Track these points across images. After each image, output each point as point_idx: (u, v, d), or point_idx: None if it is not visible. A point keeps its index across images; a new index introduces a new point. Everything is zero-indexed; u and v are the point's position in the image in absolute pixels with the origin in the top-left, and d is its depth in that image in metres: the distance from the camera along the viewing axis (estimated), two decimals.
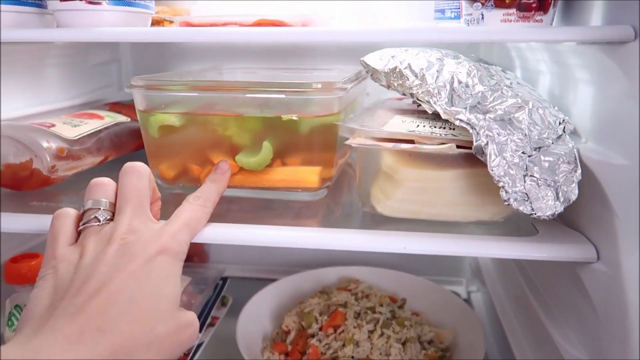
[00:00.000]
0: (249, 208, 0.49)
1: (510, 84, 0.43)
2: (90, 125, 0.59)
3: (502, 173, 0.37)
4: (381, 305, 0.63)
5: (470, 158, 0.41)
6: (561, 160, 0.37)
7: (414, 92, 0.43)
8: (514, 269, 0.57)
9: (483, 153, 0.37)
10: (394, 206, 0.44)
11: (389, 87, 0.50)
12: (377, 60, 0.49)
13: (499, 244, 0.39)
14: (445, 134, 0.41)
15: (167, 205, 0.52)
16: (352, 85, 0.50)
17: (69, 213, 0.38)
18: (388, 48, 0.49)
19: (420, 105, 0.46)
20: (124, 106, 0.71)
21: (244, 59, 0.81)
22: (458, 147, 0.40)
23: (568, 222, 0.42)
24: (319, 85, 0.45)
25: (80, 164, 0.56)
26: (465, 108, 0.40)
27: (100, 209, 0.37)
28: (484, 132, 0.38)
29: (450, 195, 0.42)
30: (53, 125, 0.55)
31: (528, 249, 0.38)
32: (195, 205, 0.40)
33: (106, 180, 0.40)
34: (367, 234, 0.41)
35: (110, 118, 0.63)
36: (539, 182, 0.36)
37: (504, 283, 0.66)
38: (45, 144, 0.51)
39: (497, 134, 0.38)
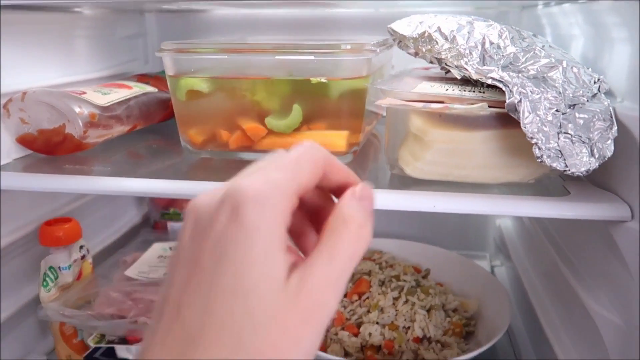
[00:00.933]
0: None
1: (543, 46, 0.42)
2: (119, 94, 0.59)
3: (535, 130, 0.36)
4: (405, 274, 0.63)
5: (501, 119, 0.40)
6: (596, 117, 0.37)
7: (444, 56, 0.43)
8: (540, 237, 0.56)
9: (516, 110, 0.37)
10: (423, 168, 0.43)
11: (416, 54, 0.50)
12: (405, 26, 0.48)
13: (531, 203, 0.39)
14: (476, 96, 0.41)
15: (197, 170, 0.53)
16: (381, 49, 0.49)
17: None
18: (416, 14, 0.49)
19: (448, 71, 0.46)
20: (152, 77, 0.72)
21: (268, 31, 0.81)
22: (489, 107, 0.39)
23: (600, 183, 0.42)
24: (348, 47, 0.45)
25: (110, 131, 0.57)
26: (498, 67, 0.40)
27: None
28: (517, 89, 0.37)
29: (481, 157, 0.42)
30: (84, 93, 0.56)
31: (561, 208, 0.38)
32: (354, 224, 0.24)
33: None
34: (396, 193, 0.41)
35: (139, 88, 0.64)
36: (573, 139, 0.36)
37: (530, 254, 0.65)
38: (77, 109, 0.52)
39: (531, 91, 0.37)
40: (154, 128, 0.68)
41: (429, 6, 0.69)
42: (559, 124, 0.37)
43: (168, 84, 0.51)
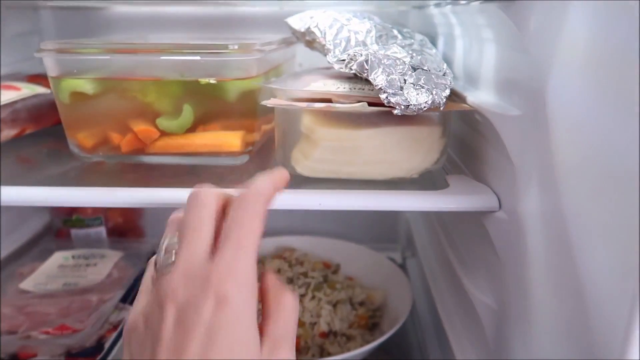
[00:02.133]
0: (172, 174, 0.48)
1: (411, 44, 0.44)
2: (4, 96, 0.56)
3: (383, 81, 0.38)
4: (314, 271, 0.64)
5: (385, 117, 0.42)
6: (434, 75, 0.39)
7: (325, 51, 0.45)
8: (437, 229, 0.59)
9: (365, 68, 0.39)
10: (313, 166, 0.44)
11: (310, 47, 0.51)
12: (297, 21, 0.50)
13: (410, 197, 0.40)
14: (364, 94, 0.42)
15: (91, 174, 0.51)
16: (273, 48, 0.50)
17: None
18: (313, 10, 0.50)
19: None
20: (44, 78, 0.68)
21: (173, 29, 0.79)
22: (371, 104, 0.41)
23: (479, 177, 0.44)
24: (236, 47, 0.45)
25: None
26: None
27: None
28: (365, 53, 0.39)
29: (367, 153, 0.43)
30: None
31: (436, 201, 0.40)
32: (241, 212, 0.30)
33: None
34: (285, 193, 0.42)
35: (29, 89, 0.61)
36: (415, 86, 0.38)
37: (431, 245, 0.69)
38: None
39: (381, 57, 0.39)
40: (47, 131, 0.65)
41: (332, 5, 0.70)
42: (403, 79, 0.38)
43: (51, 85, 0.49)
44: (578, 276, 0.28)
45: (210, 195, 0.31)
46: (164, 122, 0.48)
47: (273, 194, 0.32)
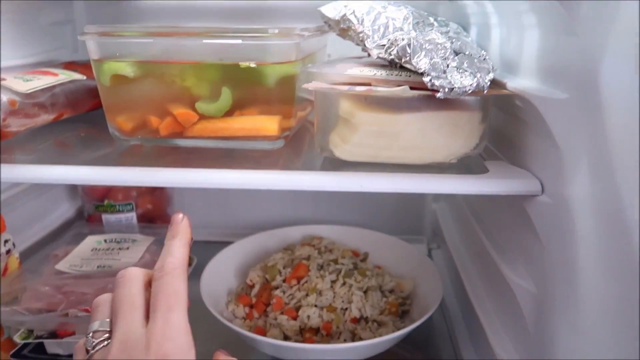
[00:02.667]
0: (209, 157, 0.49)
1: (447, 31, 0.44)
2: (43, 81, 0.57)
3: (426, 64, 0.38)
4: (343, 258, 0.64)
5: (425, 102, 0.42)
6: (477, 60, 0.39)
7: (359, 37, 0.45)
8: (469, 217, 0.59)
9: (407, 52, 0.39)
10: (352, 150, 0.44)
11: (343, 36, 0.51)
12: (331, 9, 0.50)
13: (451, 180, 0.40)
14: (402, 79, 0.42)
15: (128, 158, 0.52)
16: (311, 34, 0.50)
17: None
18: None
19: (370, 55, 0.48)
20: (80, 65, 0.70)
21: (201, 20, 0.80)
22: (412, 89, 0.41)
23: (517, 163, 0.44)
24: (276, 31, 0.45)
25: (33, 120, 0.55)
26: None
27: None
28: (406, 36, 0.40)
29: (406, 138, 0.43)
30: (4, 79, 0.53)
31: (479, 185, 0.40)
32: (163, 278, 0.32)
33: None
34: (326, 174, 0.42)
35: (65, 75, 0.62)
36: (459, 69, 0.38)
37: (462, 234, 0.68)
38: None
39: (422, 42, 0.39)
40: (83, 117, 0.66)
41: None
42: (446, 64, 0.39)
43: (93, 68, 0.50)
44: (635, 261, 0.27)
45: (137, 271, 0.34)
46: (202, 106, 0.49)
47: (186, 253, 0.35)
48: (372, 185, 0.41)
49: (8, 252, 0.57)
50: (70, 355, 0.53)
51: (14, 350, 0.53)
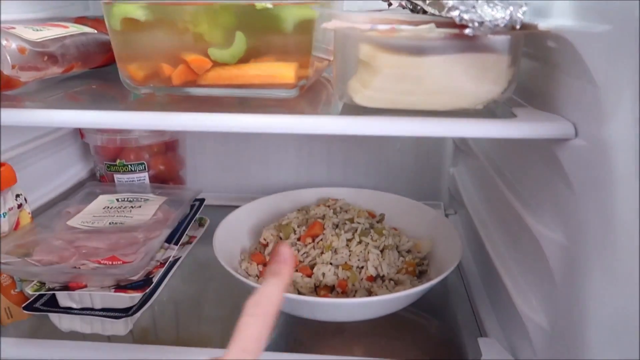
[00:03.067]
0: (224, 105, 0.47)
1: None
2: (53, 32, 0.55)
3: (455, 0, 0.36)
4: (359, 218, 0.62)
5: (451, 43, 0.39)
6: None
7: None
8: (491, 175, 0.57)
9: None
10: (372, 96, 0.42)
11: None
12: None
13: (478, 124, 0.38)
14: (425, 18, 0.40)
15: (140, 106, 0.50)
16: None
17: None
18: None
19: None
20: (91, 20, 0.68)
21: None
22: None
23: (546, 110, 0.42)
24: None
25: (43, 69, 0.53)
26: None
27: None
28: None
29: (430, 82, 0.41)
30: (13, 28, 0.52)
31: (508, 129, 0.38)
32: (253, 319, 0.32)
33: None
34: (344, 118, 0.40)
35: (76, 28, 0.60)
36: (489, 3, 0.36)
37: (481, 196, 0.66)
38: (4, 42, 0.48)
39: None
40: (95, 73, 0.64)
41: None
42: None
43: (103, 12, 0.48)
44: None
45: None
46: (215, 52, 0.47)
47: (282, 296, 0.33)
48: (392, 128, 0.39)
49: (20, 206, 0.57)
50: (83, 309, 0.52)
51: (26, 303, 0.53)
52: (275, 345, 0.53)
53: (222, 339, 0.66)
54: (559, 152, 0.38)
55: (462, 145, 0.77)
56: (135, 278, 0.52)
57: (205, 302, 0.62)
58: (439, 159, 0.84)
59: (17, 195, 0.57)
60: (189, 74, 0.48)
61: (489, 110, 0.42)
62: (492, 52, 0.41)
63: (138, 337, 0.60)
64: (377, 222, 0.65)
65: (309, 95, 0.52)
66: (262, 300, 0.32)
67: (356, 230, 0.59)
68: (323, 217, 0.62)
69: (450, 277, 0.67)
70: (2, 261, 0.49)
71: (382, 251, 0.58)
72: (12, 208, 0.55)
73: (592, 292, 0.35)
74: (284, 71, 0.47)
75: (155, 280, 0.53)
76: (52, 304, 0.53)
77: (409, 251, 0.61)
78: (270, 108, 0.47)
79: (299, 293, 0.55)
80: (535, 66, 0.46)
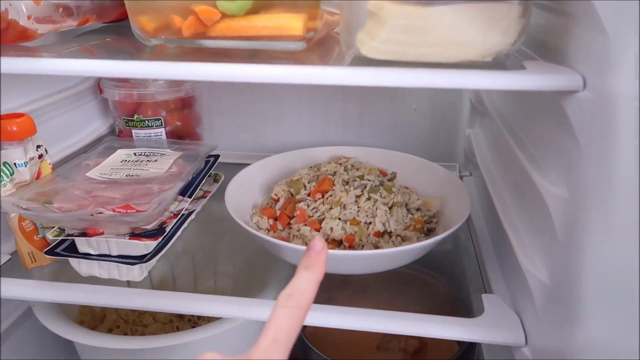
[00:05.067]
0: (233, 57, 0.47)
1: None
2: None
3: None
4: (370, 175, 0.63)
5: None
6: None
7: None
8: (503, 133, 0.56)
9: None
10: (379, 47, 0.42)
11: None
12: None
13: (485, 75, 0.38)
14: None
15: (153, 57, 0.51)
16: None
17: None
18: None
19: None
20: None
21: None
22: None
23: (553, 59, 0.41)
24: None
25: (58, 21, 0.54)
26: None
27: None
28: None
29: (438, 33, 0.40)
30: None
31: (515, 80, 0.37)
32: (286, 310, 0.31)
33: None
34: (352, 68, 0.40)
35: None
36: None
37: (494, 156, 0.66)
38: None
39: None
40: (110, 27, 0.65)
41: None
42: None
43: None
44: None
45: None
46: (224, 4, 0.47)
47: (315, 291, 0.32)
48: (400, 79, 0.38)
49: (40, 156, 0.59)
50: (100, 255, 0.55)
51: (48, 248, 0.56)
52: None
53: (233, 288, 0.69)
54: (566, 105, 0.38)
55: (478, 105, 0.76)
56: (149, 227, 0.54)
57: (218, 254, 0.65)
58: (455, 120, 0.83)
59: (38, 146, 0.59)
60: (199, 26, 0.48)
61: (498, 63, 0.41)
62: (502, 0, 0.40)
63: (157, 284, 0.63)
64: (388, 180, 0.65)
65: (320, 50, 0.52)
66: (295, 292, 0.31)
67: (365, 187, 0.59)
68: (334, 174, 0.63)
69: (461, 237, 0.67)
70: (24, 207, 0.51)
71: (390, 208, 0.58)
72: (33, 158, 0.57)
73: (591, 246, 0.35)
74: (291, 22, 0.47)
75: (168, 229, 0.55)
76: (71, 250, 0.55)
77: (418, 209, 0.61)
78: (278, 60, 0.47)
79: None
80: (545, 17, 0.45)
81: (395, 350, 0.74)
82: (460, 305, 0.57)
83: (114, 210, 0.52)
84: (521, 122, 0.53)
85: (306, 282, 0.32)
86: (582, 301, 0.36)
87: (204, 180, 0.69)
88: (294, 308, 0.31)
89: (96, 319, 0.73)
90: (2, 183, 0.54)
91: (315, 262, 0.33)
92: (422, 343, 0.75)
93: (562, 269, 0.39)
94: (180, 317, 0.76)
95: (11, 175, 0.55)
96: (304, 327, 0.79)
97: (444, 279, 0.63)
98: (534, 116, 0.48)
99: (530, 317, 0.46)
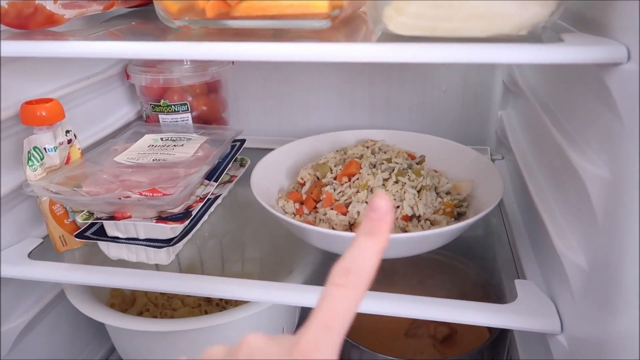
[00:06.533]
0: (258, 37, 0.47)
1: None
2: None
3: None
4: (398, 158, 0.61)
5: None
6: None
7: None
8: (538, 113, 0.54)
9: None
10: (407, 22, 0.40)
11: None
12: None
13: (520, 49, 0.36)
14: None
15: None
16: None
17: None
18: None
19: None
20: None
21: None
22: None
23: (594, 32, 0.38)
24: None
25: (85, 7, 0.54)
26: None
27: None
28: None
29: (470, 6, 0.38)
30: None
31: (555, 53, 0.35)
32: (341, 290, 0.25)
33: None
34: (376, 44, 0.39)
35: None
36: None
37: (529, 138, 0.63)
38: None
39: None
40: (136, 12, 0.65)
41: None
42: None
43: None
44: None
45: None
46: None
47: (377, 264, 0.26)
48: (427, 54, 0.37)
49: (69, 141, 0.59)
50: (128, 239, 0.55)
51: (78, 231, 0.56)
52: (310, 282, 0.54)
53: (260, 272, 0.69)
54: (608, 80, 0.35)
55: (511, 86, 0.73)
56: (175, 211, 0.54)
57: (245, 238, 0.64)
58: (487, 102, 0.81)
59: (67, 131, 0.59)
60: (222, 6, 0.47)
61: (534, 37, 0.39)
62: None
63: (185, 269, 0.64)
64: (417, 163, 0.64)
65: (347, 28, 0.50)
66: (353, 267, 0.26)
67: (393, 170, 0.58)
68: (360, 157, 0.61)
69: (492, 222, 0.65)
70: (53, 190, 0.52)
71: (419, 191, 0.57)
72: (62, 143, 0.58)
73: (633, 228, 0.32)
74: (316, 0, 0.45)
75: (194, 213, 0.55)
76: (100, 234, 0.56)
77: (448, 193, 0.60)
78: (303, 39, 0.46)
79: None
80: None
81: (424, 337, 0.72)
82: (491, 291, 0.55)
83: (140, 194, 0.52)
84: (558, 99, 0.51)
85: (367, 253, 0.26)
86: (623, 288, 0.34)
87: (230, 165, 0.69)
88: (350, 287, 0.25)
89: (126, 302, 0.74)
90: (33, 167, 0.54)
91: (379, 227, 0.26)
92: (452, 330, 0.73)
93: (602, 254, 0.37)
94: (209, 301, 0.77)
95: (41, 159, 0.55)
96: None
97: (474, 265, 0.62)
98: (573, 93, 0.46)
99: (567, 304, 0.44)
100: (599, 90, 0.37)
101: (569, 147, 0.43)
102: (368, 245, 0.26)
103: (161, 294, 0.77)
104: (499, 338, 0.68)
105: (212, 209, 0.66)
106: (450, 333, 0.73)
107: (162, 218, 0.53)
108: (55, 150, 0.57)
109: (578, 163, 0.40)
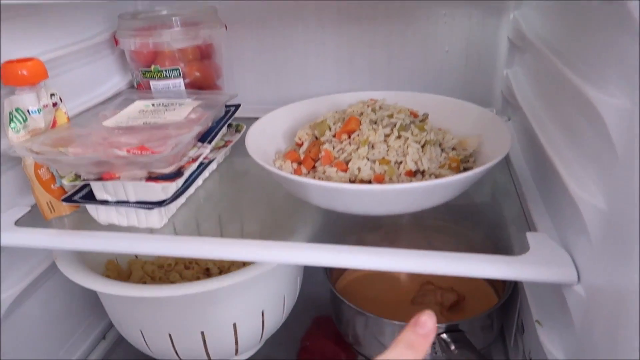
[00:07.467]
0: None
1: None
2: None
3: None
4: (399, 113, 0.58)
5: None
6: None
7: None
8: (547, 59, 0.50)
9: None
10: None
11: None
12: None
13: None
14: None
15: None
16: None
17: None
18: None
19: None
20: None
21: None
22: None
23: None
24: None
25: None
26: None
27: None
28: None
29: None
30: None
31: None
32: None
33: None
34: None
35: None
36: None
37: (537, 90, 0.60)
38: None
39: None
40: None
41: None
42: None
43: None
44: None
45: None
46: None
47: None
48: None
49: (55, 104, 0.57)
50: (118, 202, 0.53)
51: (65, 195, 0.54)
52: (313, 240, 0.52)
53: (260, 236, 0.66)
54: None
55: (517, 41, 0.70)
56: (166, 171, 0.51)
57: (242, 205, 0.62)
58: (491, 61, 0.77)
59: (52, 95, 0.56)
60: None
61: None
62: None
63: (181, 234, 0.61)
64: (421, 121, 0.61)
65: None
66: (419, 335, 0.28)
67: (395, 125, 0.55)
68: (360, 115, 0.59)
69: (499, 180, 0.63)
70: (36, 150, 0.49)
71: (423, 147, 0.54)
72: (46, 105, 0.55)
73: None
74: None
75: (186, 174, 0.52)
76: (89, 198, 0.53)
77: (453, 148, 0.57)
78: None
79: None
80: None
81: (431, 305, 0.70)
82: (501, 246, 0.52)
83: (128, 151, 0.49)
84: (570, 38, 0.47)
85: (430, 320, 0.29)
86: None
87: (226, 130, 0.66)
88: (417, 348, 0.27)
89: (122, 275, 0.71)
90: (15, 129, 0.52)
91: (422, 343, 0.28)
92: (459, 297, 0.71)
93: (623, 191, 0.34)
94: (208, 274, 0.75)
95: (24, 121, 0.53)
96: (335, 282, 0.76)
97: (482, 221, 0.59)
98: (587, 27, 0.43)
99: (584, 252, 0.41)
100: (617, 16, 0.34)
101: (585, 85, 0.40)
102: (407, 356, 0.28)
103: (158, 267, 0.74)
104: (509, 301, 0.65)
105: (207, 174, 0.63)
106: (457, 300, 0.70)
107: (152, 178, 0.51)
108: (39, 113, 0.54)
109: (595, 97, 0.37)
